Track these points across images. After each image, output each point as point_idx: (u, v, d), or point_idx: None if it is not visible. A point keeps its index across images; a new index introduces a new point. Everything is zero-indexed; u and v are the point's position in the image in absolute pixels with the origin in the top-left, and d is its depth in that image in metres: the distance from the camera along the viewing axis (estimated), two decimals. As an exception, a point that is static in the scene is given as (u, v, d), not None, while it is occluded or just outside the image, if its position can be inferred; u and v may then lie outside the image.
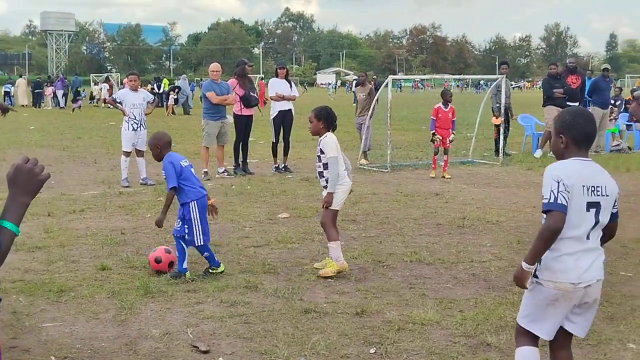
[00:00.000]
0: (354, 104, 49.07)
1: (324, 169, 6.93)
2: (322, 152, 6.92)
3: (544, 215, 3.66)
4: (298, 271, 7.15)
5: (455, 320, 5.69)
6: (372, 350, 5.08)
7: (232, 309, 5.94)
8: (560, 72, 18.31)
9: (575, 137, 3.75)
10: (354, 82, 62.68)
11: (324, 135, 6.97)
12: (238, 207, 10.59)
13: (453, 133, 13.94)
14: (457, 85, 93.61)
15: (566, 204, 3.58)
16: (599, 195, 3.68)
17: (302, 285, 6.66)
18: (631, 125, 19.57)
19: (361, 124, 15.92)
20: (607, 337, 5.34)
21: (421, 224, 9.47)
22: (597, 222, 3.69)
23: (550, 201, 3.59)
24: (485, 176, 14.01)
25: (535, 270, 3.79)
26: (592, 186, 3.68)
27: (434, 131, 13.73)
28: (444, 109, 13.76)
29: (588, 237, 3.70)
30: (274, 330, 5.47)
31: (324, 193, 7.00)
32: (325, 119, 6.98)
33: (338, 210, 7.11)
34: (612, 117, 19.29)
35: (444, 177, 13.67)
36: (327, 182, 6.91)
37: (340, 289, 6.56)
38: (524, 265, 3.72)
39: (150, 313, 5.88)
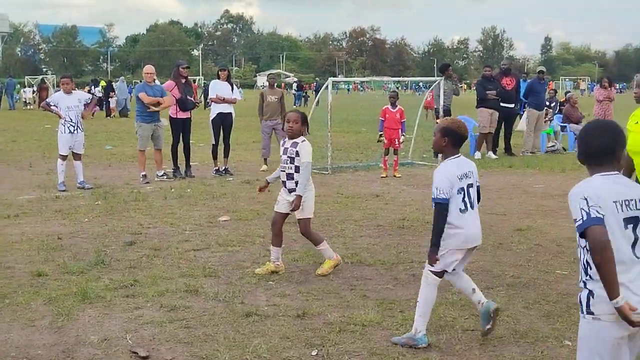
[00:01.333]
0: (294, 106, 49.08)
1: (295, 172, 6.95)
2: (297, 154, 6.93)
3: (582, 244, 3.33)
4: (239, 274, 7.11)
5: (396, 320, 5.73)
6: (313, 353, 5.08)
7: (172, 314, 5.88)
8: (495, 74, 18.64)
9: (589, 153, 3.47)
10: (294, 85, 62.84)
11: (301, 139, 7.00)
12: (178, 210, 10.49)
13: (403, 135, 14.29)
14: (397, 88, 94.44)
15: (602, 217, 3.21)
16: (634, 210, 3.32)
17: (243, 288, 6.62)
18: (565, 126, 20.03)
19: (273, 128, 15.28)
20: (544, 334, 5.43)
21: (362, 225, 9.51)
22: (637, 239, 3.32)
23: (584, 219, 3.22)
24: (425, 177, 14.13)
25: (588, 304, 3.34)
26: (626, 200, 3.32)
27: (381, 132, 14.11)
28: (392, 110, 14.22)
29: (637, 256, 3.32)
30: (215, 334, 5.42)
31: (290, 197, 7.02)
32: (306, 123, 7.09)
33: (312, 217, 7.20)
34: (547, 119, 19.68)
35: (394, 176, 14.06)
36: (296, 185, 6.94)
37: (281, 291, 6.54)
38: (613, 303, 3.19)
39: (88, 319, 5.78)
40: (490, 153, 17.39)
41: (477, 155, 17.25)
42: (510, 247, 8.25)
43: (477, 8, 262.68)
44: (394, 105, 14.31)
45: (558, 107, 22.48)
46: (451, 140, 5.22)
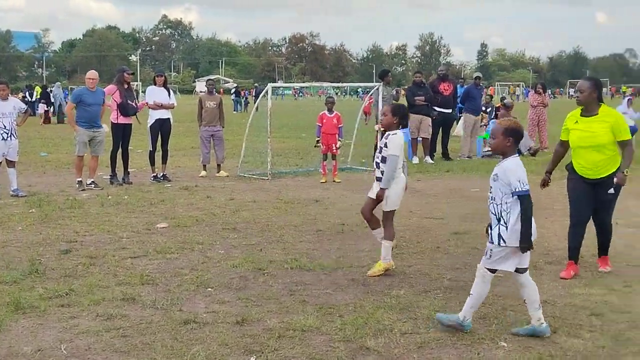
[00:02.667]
0: (234, 112, 48.81)
1: (381, 162, 7.16)
2: (386, 145, 7.13)
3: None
4: (177, 281, 7.04)
5: (335, 325, 5.74)
6: (252, 359, 5.05)
7: (109, 323, 5.78)
8: (433, 80, 18.87)
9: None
10: (233, 90, 62.50)
11: (393, 132, 7.21)
12: (115, 217, 10.34)
13: (340, 140, 14.35)
14: (336, 93, 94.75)
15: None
16: None
17: (182, 295, 6.56)
18: (501, 131, 20.34)
19: (212, 134, 15.17)
20: (480, 336, 5.51)
21: (301, 230, 9.52)
22: None
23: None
24: (364, 182, 14.20)
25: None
26: None
27: (318, 138, 14.19)
28: (329, 115, 14.28)
29: None
30: (153, 342, 5.35)
31: (375, 185, 7.28)
32: (401, 117, 7.27)
33: (396, 209, 7.38)
34: (483, 124, 20.00)
35: (334, 181, 14.19)
36: (381, 175, 7.14)
37: (220, 298, 6.50)
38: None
39: (21, 330, 5.64)
40: (428, 158, 17.59)
41: (415, 160, 17.43)
42: (448, 251, 8.35)
43: (415, 15, 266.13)
44: (330, 110, 14.40)
45: (494, 112, 22.86)
46: (514, 140, 5.49)
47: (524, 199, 5.30)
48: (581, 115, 7.26)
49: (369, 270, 7.37)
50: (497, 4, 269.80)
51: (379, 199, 7.26)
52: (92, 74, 13.51)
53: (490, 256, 5.49)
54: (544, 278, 7.14)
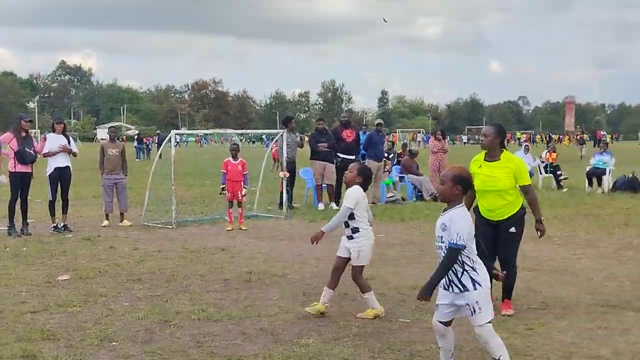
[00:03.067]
0: (136, 159, 48.12)
1: (350, 219, 7.44)
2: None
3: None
4: (80, 336, 6.82)
5: (245, 376, 5.67)
6: (160, 415, 4.93)
7: (8, 382, 5.54)
8: (335, 127, 19.11)
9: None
10: (135, 137, 61.69)
11: (353, 187, 7.53)
12: (13, 270, 9.97)
13: (245, 187, 14.34)
14: (241, 140, 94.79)
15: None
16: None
17: (85, 350, 6.36)
18: (404, 177, 20.79)
19: (114, 182, 14.94)
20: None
21: (208, 280, 9.41)
22: None
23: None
24: (270, 229, 14.23)
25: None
26: None
27: (223, 184, 14.11)
28: (233, 162, 14.24)
29: None
30: (55, 401, 5.16)
31: (348, 244, 7.52)
32: (365, 178, 7.63)
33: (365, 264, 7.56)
34: (386, 170, 20.35)
35: (240, 229, 14.08)
36: (352, 232, 7.45)
37: (125, 352, 6.33)
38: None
39: None
40: (333, 204, 17.72)
41: (321, 206, 17.54)
42: (355, 297, 8.39)
43: (317, 62, 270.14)
44: (235, 157, 14.38)
45: (396, 159, 23.33)
46: (463, 188, 5.40)
47: (453, 252, 5.19)
48: (485, 159, 7.59)
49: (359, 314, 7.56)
50: (396, 53, 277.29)
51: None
52: None
53: (480, 308, 5.29)
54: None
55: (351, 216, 7.38)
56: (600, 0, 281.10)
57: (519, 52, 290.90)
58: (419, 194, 20.24)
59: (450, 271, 5.26)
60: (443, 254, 5.28)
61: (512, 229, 7.49)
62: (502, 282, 7.62)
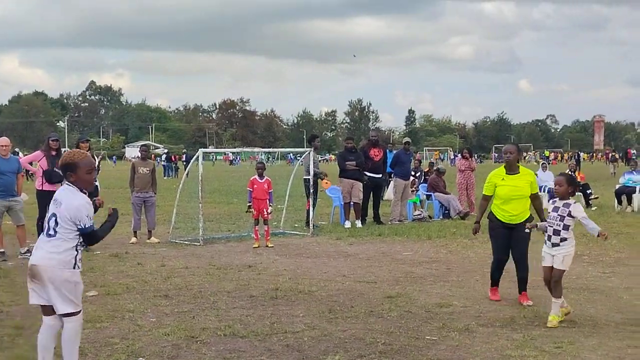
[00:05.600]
0: (164, 177, 48.48)
1: (563, 229, 7.92)
2: (570, 215, 7.91)
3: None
4: (107, 351, 6.86)
5: (271, 392, 5.66)
6: None
7: (36, 396, 5.58)
8: (363, 145, 19.12)
9: None
10: (163, 156, 62.18)
11: (573, 201, 8.12)
12: (42, 286, 10.04)
13: (271, 205, 14.41)
14: (268, 159, 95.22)
15: None
16: None
17: (112, 365, 6.39)
18: (431, 195, 20.72)
19: (144, 200, 15.11)
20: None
21: (234, 296, 9.42)
22: None
23: None
24: (296, 247, 14.24)
25: None
26: None
27: (250, 202, 14.20)
28: (260, 180, 14.35)
29: None
30: (82, 415, 5.18)
31: (553, 251, 7.97)
32: (574, 187, 8.23)
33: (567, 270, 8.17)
34: (413, 188, 20.31)
35: (267, 246, 14.14)
36: (560, 241, 7.92)
37: (152, 367, 6.35)
38: None
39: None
40: (359, 222, 17.69)
41: (347, 224, 17.51)
42: (382, 315, 8.37)
43: (345, 81, 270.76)
44: (261, 175, 14.46)
45: (423, 177, 23.26)
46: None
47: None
48: (506, 173, 9.01)
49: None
50: (424, 72, 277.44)
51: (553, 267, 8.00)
52: (3, 140, 12.93)
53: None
54: (477, 340, 7.21)
55: (566, 227, 7.94)
56: (635, 20, 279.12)
57: (549, 70, 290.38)
58: (446, 212, 20.16)
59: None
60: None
61: (527, 230, 8.66)
62: (518, 277, 8.97)
